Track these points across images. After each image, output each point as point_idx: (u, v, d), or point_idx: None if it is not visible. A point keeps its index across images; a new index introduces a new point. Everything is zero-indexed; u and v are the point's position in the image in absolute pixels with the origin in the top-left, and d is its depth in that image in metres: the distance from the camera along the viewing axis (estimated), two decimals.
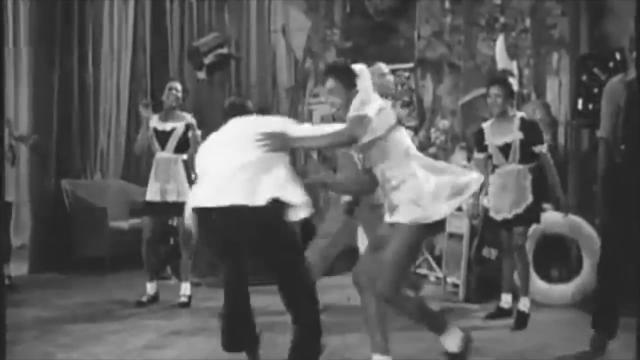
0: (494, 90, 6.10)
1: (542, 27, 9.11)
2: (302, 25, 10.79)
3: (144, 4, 9.67)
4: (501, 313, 6.27)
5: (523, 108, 7.88)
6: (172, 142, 6.97)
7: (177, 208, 6.63)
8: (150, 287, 7.00)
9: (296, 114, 10.70)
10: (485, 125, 6.27)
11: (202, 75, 7.62)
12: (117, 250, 8.63)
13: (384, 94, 6.38)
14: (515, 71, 8.77)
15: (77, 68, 9.28)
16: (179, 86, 7.14)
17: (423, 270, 8.07)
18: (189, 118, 7.07)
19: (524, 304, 6.10)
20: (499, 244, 6.74)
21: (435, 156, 9.09)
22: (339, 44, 10.38)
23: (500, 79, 6.57)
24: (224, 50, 7.61)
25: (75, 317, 6.42)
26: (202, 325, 6.05)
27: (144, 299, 6.94)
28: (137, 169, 9.49)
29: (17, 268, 8.40)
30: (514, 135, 6.05)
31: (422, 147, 9.07)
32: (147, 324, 6.17)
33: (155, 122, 7.05)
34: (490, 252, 7.01)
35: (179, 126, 7.00)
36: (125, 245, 8.46)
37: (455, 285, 7.29)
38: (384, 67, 6.50)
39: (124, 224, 8.68)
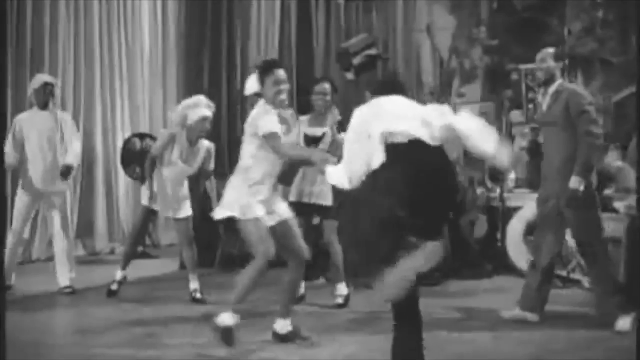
0: None
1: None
2: (446, 24, 10.66)
3: (289, 4, 9.75)
4: None
5: None
6: (323, 147, 6.73)
7: (316, 209, 6.89)
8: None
9: None
10: None
11: (350, 75, 7.57)
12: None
13: None
14: None
15: (225, 69, 9.45)
16: (327, 88, 6.92)
17: (576, 275, 7.80)
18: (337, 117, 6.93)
19: None
20: None
21: None
22: (485, 41, 10.18)
23: None
24: (373, 51, 7.52)
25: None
26: (352, 326, 6.06)
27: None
28: None
29: (167, 265, 8.69)
30: None
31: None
32: (299, 322, 6.19)
33: (305, 126, 6.93)
34: None
35: (329, 131, 6.84)
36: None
37: None
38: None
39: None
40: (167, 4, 10.70)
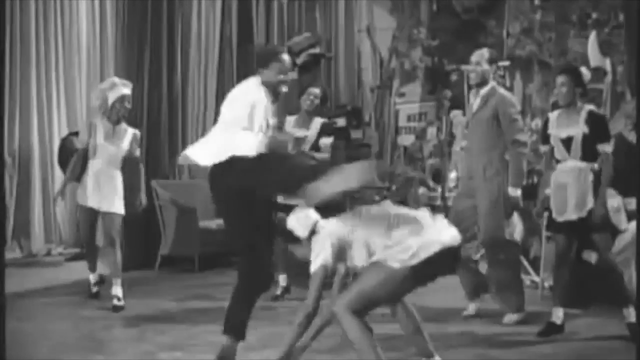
0: (560, 79, 5.75)
1: (637, 22, 8.85)
2: (387, 25, 10.70)
3: (230, 4, 9.68)
4: (553, 330, 5.81)
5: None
6: (306, 148, 6.85)
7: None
8: (283, 279, 7.12)
9: (382, 113, 10.63)
10: (552, 115, 5.91)
11: (293, 75, 7.56)
12: (206, 249, 8.73)
13: None
14: (609, 68, 8.52)
15: (166, 68, 9.33)
16: (318, 92, 7.10)
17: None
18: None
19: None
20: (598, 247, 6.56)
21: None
22: (425, 42, 10.24)
23: (568, 67, 6.32)
24: (316, 50, 7.52)
25: (171, 316, 6.43)
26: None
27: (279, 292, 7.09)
28: None
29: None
30: (578, 129, 5.63)
31: None
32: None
33: (290, 125, 7.05)
34: (590, 255, 6.78)
35: (310, 135, 6.99)
36: (214, 245, 8.66)
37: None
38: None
39: (212, 224, 8.69)
40: (105, 2, 10.52)
